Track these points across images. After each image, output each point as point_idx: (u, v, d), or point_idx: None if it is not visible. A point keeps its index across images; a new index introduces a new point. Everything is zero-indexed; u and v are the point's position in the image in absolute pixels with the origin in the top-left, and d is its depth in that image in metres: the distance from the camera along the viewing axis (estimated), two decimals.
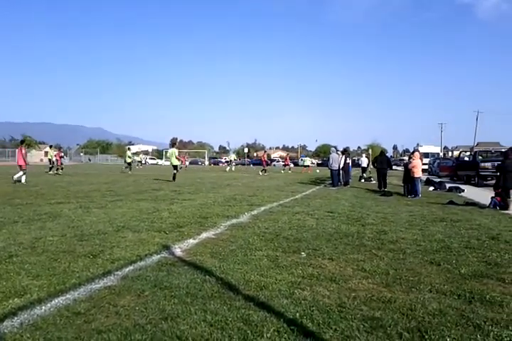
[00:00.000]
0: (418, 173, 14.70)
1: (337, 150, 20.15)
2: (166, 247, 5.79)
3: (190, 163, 77.15)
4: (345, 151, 21.52)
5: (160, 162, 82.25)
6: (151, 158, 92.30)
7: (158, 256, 5.32)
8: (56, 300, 3.66)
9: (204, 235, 6.76)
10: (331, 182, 19.43)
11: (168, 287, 4.05)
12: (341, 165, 19.42)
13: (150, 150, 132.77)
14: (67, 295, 3.80)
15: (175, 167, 21.43)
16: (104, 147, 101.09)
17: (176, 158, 21.94)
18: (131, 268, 4.73)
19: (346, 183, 20.04)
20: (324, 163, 64.11)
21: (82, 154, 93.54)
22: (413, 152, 16.36)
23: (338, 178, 19.45)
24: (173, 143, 25.45)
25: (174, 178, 20.76)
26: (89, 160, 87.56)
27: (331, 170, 19.19)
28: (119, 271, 4.58)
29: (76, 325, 3.18)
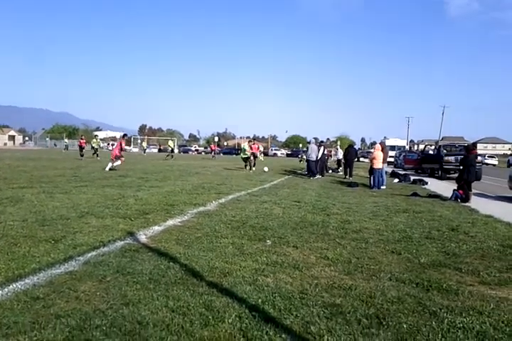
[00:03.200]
0: (377, 165, 14.91)
1: (316, 142, 20.40)
2: (131, 234, 5.73)
3: (160, 151, 76.35)
4: (322, 143, 21.85)
5: (128, 148, 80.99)
6: None
7: (122, 242, 5.26)
8: (14, 285, 3.58)
9: (170, 222, 6.72)
10: (306, 172, 19.61)
11: (131, 273, 4.02)
12: (319, 157, 19.64)
13: (118, 136, 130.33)
14: (26, 280, 3.72)
15: (245, 159, 23.10)
16: (71, 132, 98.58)
17: (249, 150, 23.17)
18: (93, 253, 4.66)
19: (322, 174, 20.29)
20: (294, 154, 64.66)
21: (47, 139, 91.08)
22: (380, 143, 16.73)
23: (316, 168, 19.61)
24: (249, 140, 26.27)
25: (254, 165, 23.18)
26: (55, 145, 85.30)
27: (309, 161, 19.37)
28: (81, 257, 4.51)
29: (34, 309, 3.12)
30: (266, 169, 23.20)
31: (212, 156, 44.19)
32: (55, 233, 5.56)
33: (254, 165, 23.30)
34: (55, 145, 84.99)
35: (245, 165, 23.15)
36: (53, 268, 4.09)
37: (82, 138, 33.52)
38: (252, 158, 23.19)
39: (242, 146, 24.51)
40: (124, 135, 22.71)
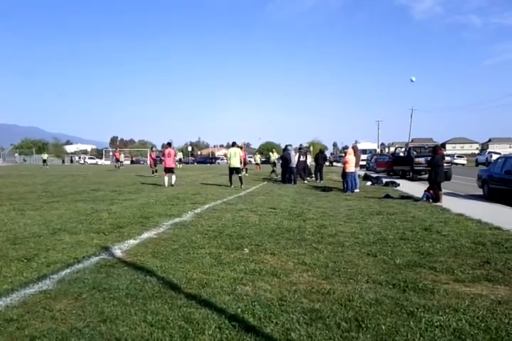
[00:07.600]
0: (350, 168, 15.08)
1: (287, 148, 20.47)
2: (105, 248, 5.64)
3: (132, 162, 75.58)
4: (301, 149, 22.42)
5: (100, 162, 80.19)
6: (90, 158, 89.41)
7: (97, 257, 5.17)
8: None
9: (145, 235, 6.64)
10: (278, 180, 19.61)
11: (107, 289, 3.96)
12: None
13: (89, 149, 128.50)
14: None
15: (237, 170, 17.09)
16: (40, 147, 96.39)
17: (241, 159, 17.14)
18: (67, 271, 4.57)
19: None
20: (268, 161, 64.78)
21: (16, 155, 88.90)
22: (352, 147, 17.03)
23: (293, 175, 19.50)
24: (233, 143, 18.04)
25: (241, 182, 16.76)
26: (24, 160, 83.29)
27: (291, 168, 19.26)
28: (55, 275, 4.42)
29: (8, 332, 3.04)
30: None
31: (115, 167, 36.80)
32: (27, 251, 5.43)
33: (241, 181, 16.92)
34: (24, 160, 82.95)
35: (230, 179, 17.09)
36: (27, 288, 3.99)
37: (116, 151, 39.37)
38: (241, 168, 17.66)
39: (233, 151, 17.06)
40: (169, 143, 19.53)
